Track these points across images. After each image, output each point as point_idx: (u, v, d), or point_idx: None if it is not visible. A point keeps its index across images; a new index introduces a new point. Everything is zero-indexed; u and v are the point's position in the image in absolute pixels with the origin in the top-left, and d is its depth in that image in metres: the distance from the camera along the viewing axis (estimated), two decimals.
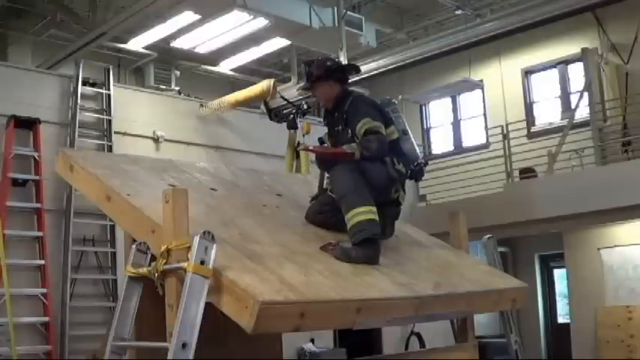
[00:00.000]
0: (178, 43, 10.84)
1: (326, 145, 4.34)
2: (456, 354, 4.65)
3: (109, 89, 8.49)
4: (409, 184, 4.39)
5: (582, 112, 10.91)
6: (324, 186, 4.46)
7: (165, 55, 12.19)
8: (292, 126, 7.29)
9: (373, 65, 10.53)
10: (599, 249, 11.52)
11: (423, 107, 14.43)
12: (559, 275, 13.13)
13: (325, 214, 4.19)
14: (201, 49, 11.12)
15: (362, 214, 3.81)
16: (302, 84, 4.44)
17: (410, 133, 4.38)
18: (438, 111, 14.39)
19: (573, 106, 11.07)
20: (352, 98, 4.22)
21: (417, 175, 4.37)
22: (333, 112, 4.29)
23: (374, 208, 3.86)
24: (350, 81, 4.42)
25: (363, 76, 10.34)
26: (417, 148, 4.38)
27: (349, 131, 4.10)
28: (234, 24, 9.87)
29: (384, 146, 4.00)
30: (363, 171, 3.94)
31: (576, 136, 10.48)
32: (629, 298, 11.10)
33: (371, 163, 4.01)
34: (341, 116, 4.18)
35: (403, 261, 4.16)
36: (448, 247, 4.82)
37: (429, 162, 12.79)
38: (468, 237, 4.88)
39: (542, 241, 12.55)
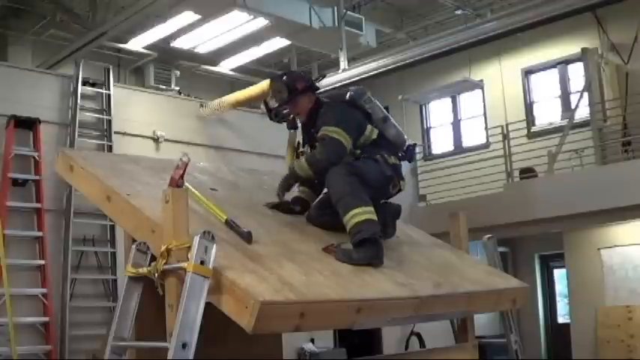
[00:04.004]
0: (178, 43, 10.85)
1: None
2: (456, 354, 4.65)
3: (108, 89, 8.49)
4: (409, 183, 4.37)
5: (582, 112, 10.92)
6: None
7: (165, 55, 12.19)
8: (292, 126, 7.28)
9: (373, 65, 10.52)
10: (599, 249, 11.52)
11: (423, 107, 14.42)
12: (559, 275, 13.13)
13: (326, 216, 4.16)
14: (201, 49, 11.13)
15: (359, 215, 3.79)
16: (282, 96, 4.31)
17: (391, 117, 4.30)
18: (438, 111, 14.39)
19: (573, 106, 11.07)
20: (323, 110, 4.16)
21: (409, 157, 4.33)
22: (309, 127, 4.25)
23: (371, 208, 3.84)
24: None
25: (363, 76, 10.34)
26: (401, 131, 4.30)
27: None
28: (234, 24, 9.88)
29: (330, 148, 3.96)
30: (358, 172, 3.92)
31: (576, 136, 10.49)
32: (629, 298, 11.10)
33: (364, 164, 3.99)
34: (317, 131, 4.13)
35: (403, 261, 4.15)
36: (448, 247, 4.82)
37: (429, 162, 12.89)
38: (468, 237, 4.88)
39: (542, 241, 12.55)
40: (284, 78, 4.29)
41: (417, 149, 4.57)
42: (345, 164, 3.95)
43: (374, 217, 3.83)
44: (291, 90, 4.20)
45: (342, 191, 3.86)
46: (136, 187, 3.80)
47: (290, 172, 4.17)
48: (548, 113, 12.65)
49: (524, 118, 12.36)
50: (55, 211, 7.70)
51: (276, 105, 4.31)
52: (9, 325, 6.60)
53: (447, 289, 3.97)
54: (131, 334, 3.34)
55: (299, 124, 4.44)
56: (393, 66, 10.40)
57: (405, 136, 4.34)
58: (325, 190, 4.31)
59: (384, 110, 4.29)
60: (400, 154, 4.26)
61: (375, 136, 4.18)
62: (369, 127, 4.17)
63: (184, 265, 2.97)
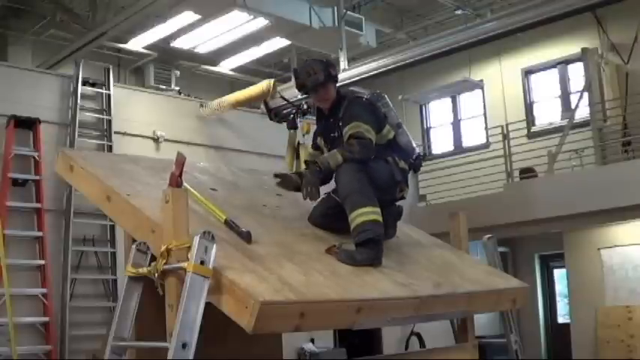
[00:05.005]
0: (178, 43, 10.85)
1: (323, 150, 4.28)
2: (456, 354, 4.65)
3: (108, 89, 8.50)
4: (409, 183, 4.38)
5: (582, 112, 10.91)
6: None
7: (165, 55, 12.19)
8: (292, 126, 7.29)
9: (373, 65, 10.50)
10: (599, 249, 11.51)
11: (423, 107, 14.42)
12: (559, 275, 13.13)
13: (329, 217, 4.16)
14: (201, 49, 11.13)
15: (366, 214, 3.79)
16: (317, 78, 4.19)
17: (404, 126, 4.36)
18: (438, 111, 14.39)
19: (573, 106, 11.07)
20: (347, 103, 4.16)
21: (416, 167, 4.36)
22: (328, 117, 4.24)
23: (378, 209, 3.85)
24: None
25: (363, 76, 10.34)
26: (412, 140, 4.34)
27: None
28: (234, 24, 9.88)
29: (367, 150, 3.95)
30: (369, 172, 3.93)
31: (576, 136, 10.49)
32: (629, 298, 11.09)
33: (376, 164, 4.00)
34: (337, 123, 4.14)
35: (403, 261, 4.15)
36: (448, 247, 4.82)
37: (429, 162, 12.87)
38: (468, 237, 4.88)
39: (542, 241, 12.55)
40: (322, 61, 4.25)
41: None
42: (357, 162, 3.95)
43: (380, 218, 3.84)
44: (327, 74, 4.16)
45: (350, 187, 3.87)
46: (136, 187, 3.80)
47: (323, 166, 3.93)
48: (548, 113, 12.65)
49: (524, 118, 12.36)
50: (55, 211, 7.70)
51: (310, 84, 4.12)
52: (9, 325, 6.61)
53: (447, 289, 3.98)
54: (131, 334, 3.34)
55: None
56: (393, 66, 10.39)
57: (415, 145, 4.37)
58: (326, 191, 4.31)
59: (398, 116, 4.34)
60: (409, 162, 4.28)
61: (390, 136, 4.22)
62: (387, 126, 4.21)
63: (184, 265, 2.97)
